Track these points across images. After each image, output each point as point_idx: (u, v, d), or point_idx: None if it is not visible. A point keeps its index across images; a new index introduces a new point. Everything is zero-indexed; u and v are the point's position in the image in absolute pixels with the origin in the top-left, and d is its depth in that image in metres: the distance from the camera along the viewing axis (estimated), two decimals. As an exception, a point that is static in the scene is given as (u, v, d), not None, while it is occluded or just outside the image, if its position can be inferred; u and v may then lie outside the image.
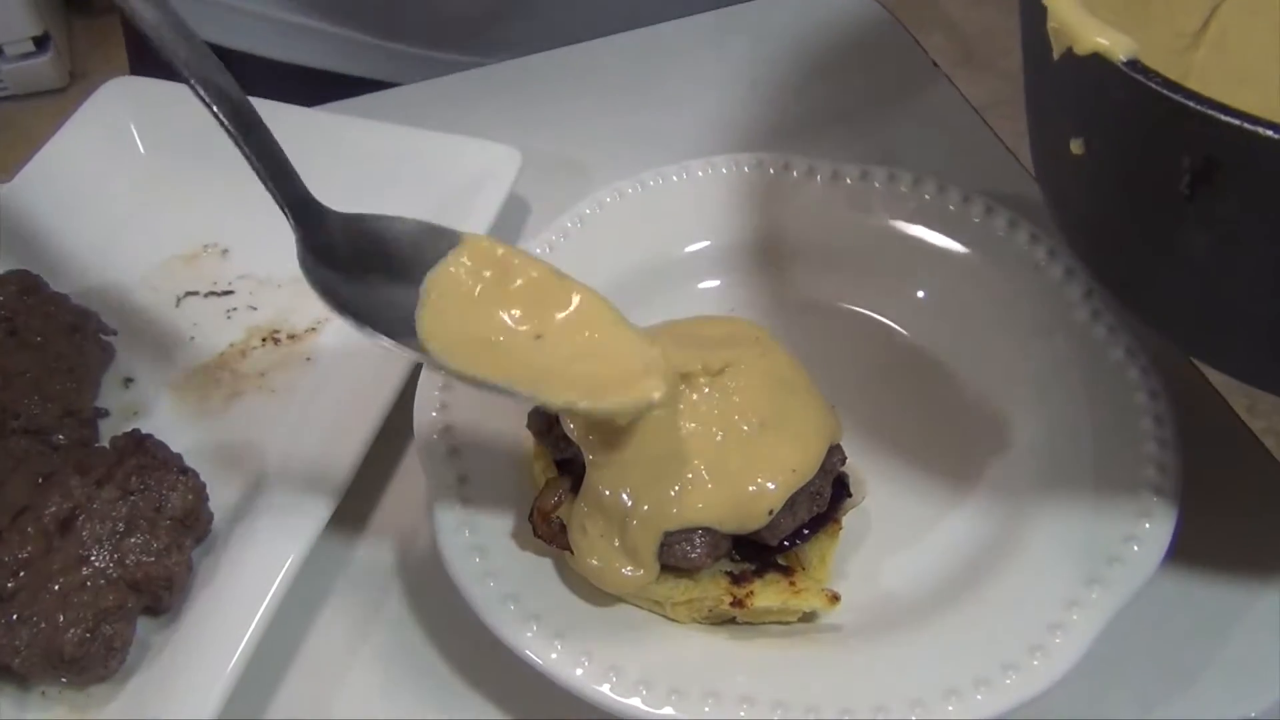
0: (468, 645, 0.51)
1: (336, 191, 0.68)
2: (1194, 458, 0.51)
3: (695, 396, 0.49)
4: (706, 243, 0.62)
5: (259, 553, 0.52)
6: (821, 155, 0.63)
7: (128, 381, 0.61)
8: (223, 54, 0.50)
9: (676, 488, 0.47)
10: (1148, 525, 0.48)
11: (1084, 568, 0.47)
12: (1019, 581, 0.48)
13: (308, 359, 0.61)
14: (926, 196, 0.60)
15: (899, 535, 0.52)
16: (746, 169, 0.63)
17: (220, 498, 0.54)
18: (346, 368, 0.60)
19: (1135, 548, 0.47)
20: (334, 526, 0.53)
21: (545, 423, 0.51)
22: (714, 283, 0.61)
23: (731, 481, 0.47)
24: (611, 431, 0.48)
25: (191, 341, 0.63)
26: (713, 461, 0.48)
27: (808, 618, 0.49)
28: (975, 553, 0.50)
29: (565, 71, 0.79)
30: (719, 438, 0.48)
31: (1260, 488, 0.55)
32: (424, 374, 0.54)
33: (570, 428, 0.49)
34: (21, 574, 0.50)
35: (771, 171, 0.63)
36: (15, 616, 0.49)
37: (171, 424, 0.59)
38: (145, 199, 0.70)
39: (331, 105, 0.75)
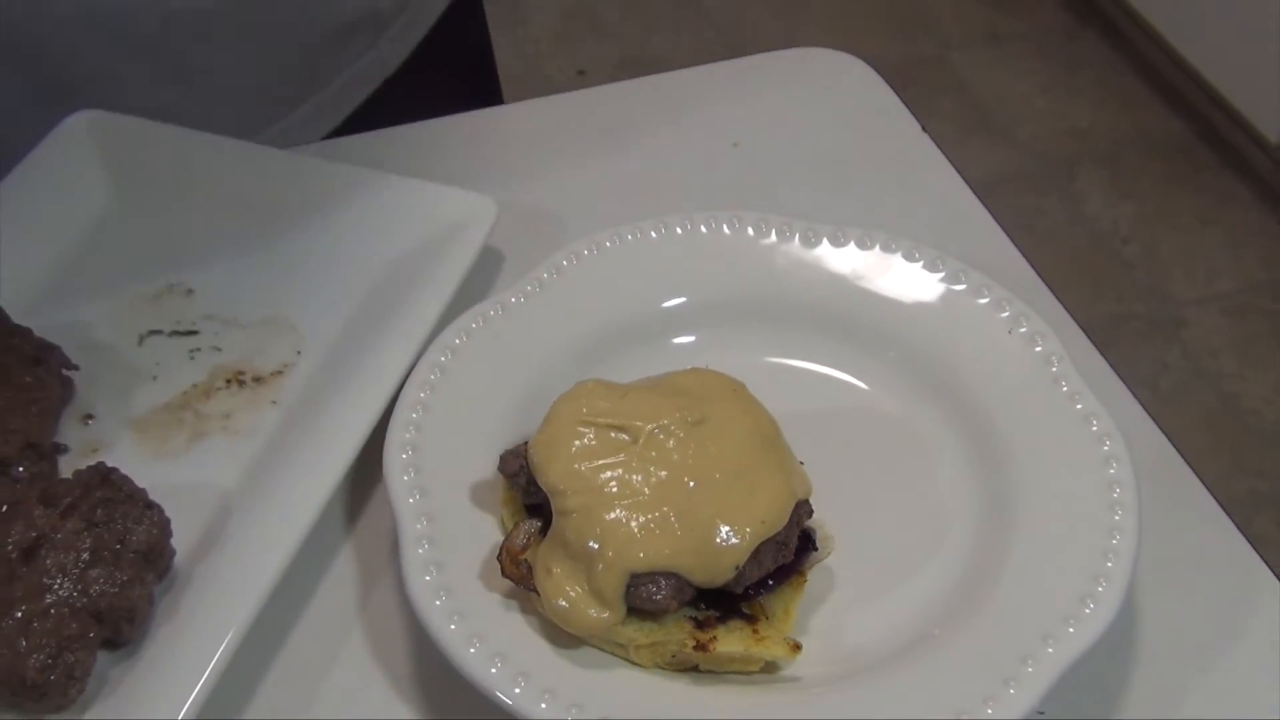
0: (431, 688, 0.58)
1: (306, 236, 0.77)
2: (1156, 523, 0.60)
3: (671, 443, 0.57)
4: (683, 299, 0.71)
5: (220, 591, 0.60)
6: (800, 215, 0.72)
7: (88, 418, 0.69)
8: None
9: (644, 533, 0.55)
10: (1102, 587, 0.56)
11: (1040, 625, 0.56)
12: (977, 638, 0.56)
13: (273, 402, 0.70)
14: (899, 257, 0.69)
15: (863, 593, 0.61)
16: (725, 227, 0.72)
17: (182, 536, 0.62)
18: (314, 411, 0.68)
19: (1090, 607, 0.56)
20: (297, 567, 0.60)
21: (516, 466, 0.59)
22: (689, 338, 0.70)
23: (700, 529, 0.56)
24: (581, 478, 0.57)
25: (154, 380, 0.71)
26: (683, 509, 0.56)
27: (769, 669, 0.57)
28: (937, 610, 0.59)
29: (544, 121, 0.89)
30: (691, 485, 0.57)
31: (1222, 556, 0.64)
32: (396, 415, 0.63)
33: (539, 474, 0.58)
34: (-16, 600, 0.57)
35: (750, 230, 0.72)
36: (-23, 641, 0.56)
37: (132, 462, 0.66)
38: (110, 235, 0.78)
39: (304, 148, 0.84)
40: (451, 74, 1.03)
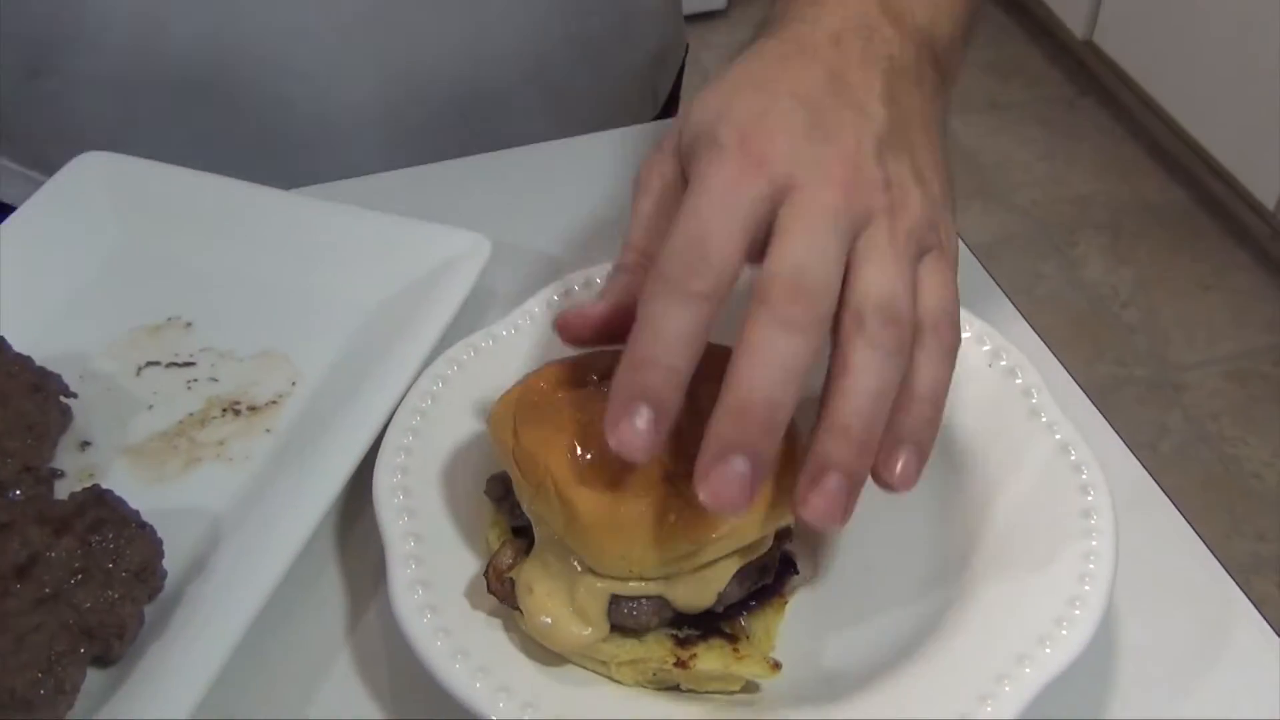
0: (414, 707, 0.59)
1: (303, 272, 0.79)
2: (1138, 559, 0.61)
3: None
4: (671, 334, 0.73)
5: (209, 612, 0.61)
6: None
7: (84, 445, 0.71)
8: None
9: (628, 553, 0.57)
10: (1078, 610, 0.57)
11: (1017, 647, 0.57)
12: (955, 659, 0.57)
13: (267, 430, 0.71)
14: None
15: (843, 616, 0.62)
16: (713, 264, 0.74)
17: (174, 559, 0.63)
18: (306, 439, 0.69)
19: (1064, 630, 0.57)
20: (286, 589, 0.61)
21: (503, 489, 0.61)
22: (676, 371, 0.72)
23: (682, 550, 0.57)
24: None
25: (150, 410, 0.73)
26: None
27: (750, 688, 0.58)
28: (915, 634, 0.60)
29: (542, 167, 0.91)
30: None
31: (1200, 585, 0.65)
32: (386, 440, 0.64)
33: (524, 499, 0.59)
34: (-23, 616, 0.58)
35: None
36: (-32, 655, 0.57)
37: (128, 487, 0.67)
38: (113, 271, 0.81)
39: (302, 190, 0.86)
40: None
